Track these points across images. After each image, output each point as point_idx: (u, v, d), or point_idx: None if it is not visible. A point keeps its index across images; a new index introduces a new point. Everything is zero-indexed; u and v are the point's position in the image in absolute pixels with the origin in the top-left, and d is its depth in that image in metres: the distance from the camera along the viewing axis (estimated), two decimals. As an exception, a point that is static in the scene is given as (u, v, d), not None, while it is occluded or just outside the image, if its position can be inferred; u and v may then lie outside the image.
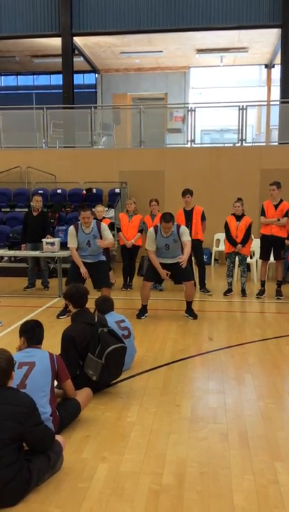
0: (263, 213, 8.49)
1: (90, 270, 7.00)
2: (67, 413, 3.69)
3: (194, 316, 7.05)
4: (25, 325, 3.67)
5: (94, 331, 4.27)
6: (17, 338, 3.69)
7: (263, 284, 8.60)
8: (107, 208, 11.36)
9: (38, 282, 9.27)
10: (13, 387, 3.07)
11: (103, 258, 7.20)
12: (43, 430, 3.01)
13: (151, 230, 7.15)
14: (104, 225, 7.18)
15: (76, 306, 4.52)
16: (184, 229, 7.03)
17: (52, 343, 4.86)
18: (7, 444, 2.81)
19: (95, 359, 4.18)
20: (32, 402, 2.98)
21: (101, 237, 6.99)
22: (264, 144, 15.96)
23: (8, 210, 12.37)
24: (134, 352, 5.12)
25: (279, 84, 15.01)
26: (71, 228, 7.09)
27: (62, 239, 9.45)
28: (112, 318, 4.99)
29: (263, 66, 19.47)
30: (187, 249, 6.89)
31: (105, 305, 5.10)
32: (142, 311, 7.13)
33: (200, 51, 17.69)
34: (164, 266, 6.98)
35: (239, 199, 8.74)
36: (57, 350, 4.22)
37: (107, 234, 7.08)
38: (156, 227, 7.01)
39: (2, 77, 22.56)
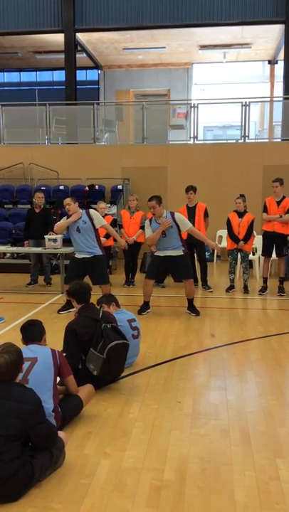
0: (265, 210, 8.48)
1: (87, 267, 7.02)
2: (70, 409, 3.70)
3: (196, 313, 7.06)
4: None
5: (97, 326, 4.29)
6: (19, 334, 3.70)
7: (265, 280, 8.60)
8: (109, 205, 11.37)
9: (41, 279, 9.28)
10: (19, 383, 3.08)
11: (99, 252, 7.09)
12: (46, 428, 3.02)
13: (147, 220, 7.31)
14: (92, 211, 7.24)
15: (80, 302, 4.55)
16: (179, 216, 7.06)
17: (54, 339, 4.88)
18: (11, 440, 2.82)
19: (97, 354, 4.19)
20: (38, 400, 2.98)
21: (93, 224, 7.04)
22: (267, 140, 15.91)
23: (10, 206, 12.40)
24: (138, 352, 5.13)
25: (282, 80, 14.95)
26: (64, 217, 7.33)
27: (65, 235, 9.46)
28: (124, 317, 5.00)
29: (266, 62, 19.39)
30: (201, 235, 7.25)
31: (110, 299, 5.16)
32: (144, 307, 7.15)
33: (203, 47, 17.63)
34: (165, 261, 6.98)
35: (241, 195, 8.73)
36: (59, 346, 4.24)
37: (99, 220, 7.16)
38: (151, 218, 7.12)
39: (5, 73, 22.52)
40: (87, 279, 6.59)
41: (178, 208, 8.36)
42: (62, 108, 14.46)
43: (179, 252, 6.99)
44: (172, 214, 6.99)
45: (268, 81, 19.43)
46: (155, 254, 7.18)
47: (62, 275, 8.45)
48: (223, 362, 5.20)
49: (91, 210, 7.26)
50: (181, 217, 7.05)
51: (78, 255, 7.08)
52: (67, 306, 7.02)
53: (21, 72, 22.45)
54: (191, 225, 7.13)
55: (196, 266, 8.92)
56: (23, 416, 2.86)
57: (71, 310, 6.73)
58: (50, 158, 12.79)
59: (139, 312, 7.01)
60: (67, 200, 7.15)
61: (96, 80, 21.28)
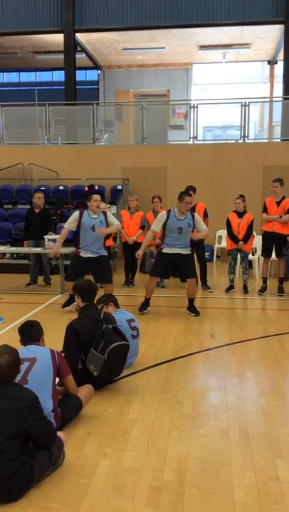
0: (265, 210, 8.48)
1: (91, 265, 7.02)
2: (69, 409, 3.70)
3: (196, 313, 7.06)
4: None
5: (99, 327, 4.29)
6: (18, 335, 3.70)
7: (264, 280, 8.60)
8: (109, 205, 11.37)
9: (40, 279, 9.28)
10: (16, 382, 3.10)
11: (105, 253, 7.21)
12: (45, 425, 3.03)
13: (163, 212, 7.27)
14: (109, 213, 7.34)
15: (84, 301, 4.53)
16: (198, 218, 7.20)
17: (54, 339, 4.88)
18: (11, 438, 2.83)
19: (98, 354, 4.19)
20: (35, 398, 3.01)
21: (107, 224, 7.09)
22: (266, 140, 15.91)
23: (10, 206, 12.39)
24: (138, 352, 5.13)
25: (282, 80, 14.96)
26: (76, 213, 7.17)
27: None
28: (123, 317, 5.00)
29: (266, 62, 19.39)
30: (204, 234, 7.22)
31: (109, 299, 5.15)
32: (144, 305, 7.16)
33: (202, 47, 17.63)
34: (173, 258, 6.98)
35: (241, 196, 8.73)
36: (59, 346, 4.25)
37: (113, 219, 7.23)
38: (170, 212, 7.08)
39: (4, 73, 22.54)
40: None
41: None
42: (61, 108, 14.46)
43: (187, 251, 7.06)
44: (192, 214, 7.11)
45: (267, 81, 19.44)
46: (162, 251, 7.13)
47: (62, 275, 8.45)
48: (222, 362, 5.20)
49: (108, 212, 7.32)
50: (200, 219, 7.20)
51: (84, 254, 7.03)
52: (71, 300, 6.99)
53: (21, 73, 22.46)
54: (205, 227, 7.27)
55: (195, 266, 8.90)
56: (22, 413, 2.88)
57: (74, 304, 6.72)
58: (49, 159, 12.79)
59: (140, 309, 7.02)
60: (99, 197, 7.12)
61: (96, 80, 21.29)
